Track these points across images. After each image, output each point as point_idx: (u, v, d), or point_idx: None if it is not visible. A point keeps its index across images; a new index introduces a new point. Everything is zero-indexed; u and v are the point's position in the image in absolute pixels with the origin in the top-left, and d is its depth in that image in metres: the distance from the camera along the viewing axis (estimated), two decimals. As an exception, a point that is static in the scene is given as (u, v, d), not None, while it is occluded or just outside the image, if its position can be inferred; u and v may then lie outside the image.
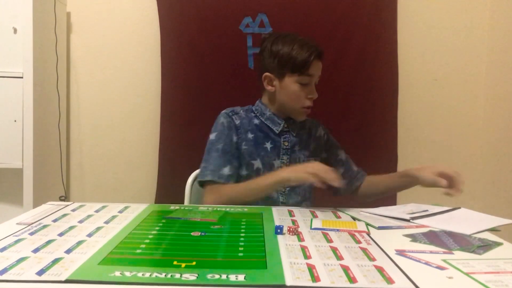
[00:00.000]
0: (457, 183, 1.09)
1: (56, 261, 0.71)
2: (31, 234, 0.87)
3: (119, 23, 2.08)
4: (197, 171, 1.49)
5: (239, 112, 1.36)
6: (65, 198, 1.99)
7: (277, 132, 1.33)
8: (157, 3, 2.02)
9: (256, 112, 1.36)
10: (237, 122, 1.33)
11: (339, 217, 1.07)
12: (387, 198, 2.01)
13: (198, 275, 0.66)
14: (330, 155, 1.40)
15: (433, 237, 0.89)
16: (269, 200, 1.28)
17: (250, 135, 1.32)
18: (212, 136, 1.32)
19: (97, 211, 1.07)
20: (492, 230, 0.97)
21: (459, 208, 1.13)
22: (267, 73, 1.31)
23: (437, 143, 2.11)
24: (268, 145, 1.32)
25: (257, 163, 1.30)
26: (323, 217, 1.06)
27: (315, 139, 1.40)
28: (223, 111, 1.36)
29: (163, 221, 1.00)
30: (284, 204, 1.31)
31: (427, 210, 1.11)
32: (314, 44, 1.28)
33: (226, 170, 1.27)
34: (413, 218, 1.03)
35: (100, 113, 2.12)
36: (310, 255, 0.77)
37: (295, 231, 0.90)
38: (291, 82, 1.28)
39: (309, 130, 1.41)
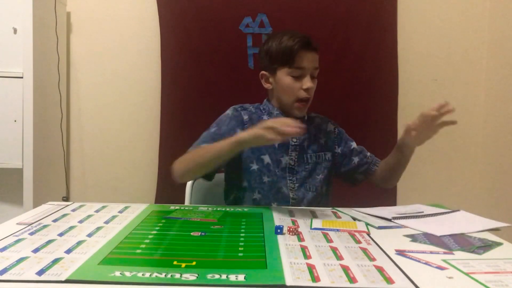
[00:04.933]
0: (439, 112, 1.16)
1: (56, 261, 0.71)
2: (31, 234, 0.87)
3: (119, 23, 2.08)
4: None
5: (248, 108, 1.37)
6: (67, 198, 1.99)
7: None
8: (157, 3, 2.02)
9: (263, 111, 1.36)
10: (245, 117, 1.33)
11: (339, 217, 1.07)
12: (387, 199, 2.03)
13: (198, 275, 0.66)
14: (344, 147, 1.39)
15: (433, 237, 0.89)
16: (278, 194, 1.28)
17: None
18: (212, 124, 1.33)
19: (97, 211, 1.07)
20: (492, 229, 0.96)
21: (458, 210, 1.12)
22: (262, 72, 1.33)
23: (437, 143, 2.11)
24: (276, 143, 1.30)
25: (267, 158, 1.30)
26: (323, 217, 1.06)
27: (325, 134, 1.39)
28: (232, 106, 1.36)
29: (163, 221, 1.00)
30: (295, 200, 1.29)
31: (422, 212, 1.10)
32: (302, 35, 1.27)
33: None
34: (395, 218, 1.03)
35: (100, 113, 2.12)
36: (310, 255, 0.77)
37: (295, 231, 0.90)
38: (282, 76, 1.28)
39: (318, 126, 1.40)
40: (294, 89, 1.27)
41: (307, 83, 1.26)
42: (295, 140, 1.33)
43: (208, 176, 1.30)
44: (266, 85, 1.34)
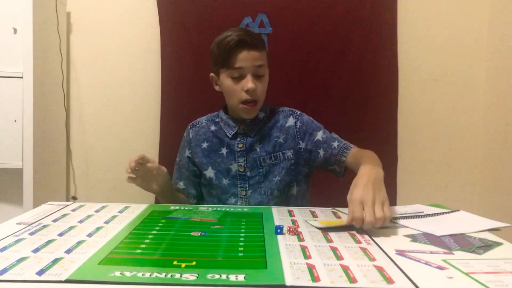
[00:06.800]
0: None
1: (56, 261, 0.72)
2: (31, 234, 0.87)
3: (119, 23, 2.08)
4: None
5: (199, 123, 1.38)
6: (75, 198, 2.03)
7: (230, 136, 1.30)
8: (157, 3, 2.02)
9: (216, 118, 1.35)
10: (191, 135, 1.35)
11: (339, 217, 1.07)
12: (388, 198, 2.03)
13: (198, 275, 0.66)
14: (309, 141, 1.29)
15: (433, 237, 0.89)
16: (226, 203, 1.30)
17: (204, 145, 1.32)
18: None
19: (97, 211, 1.07)
20: (492, 229, 0.96)
21: (458, 210, 1.12)
22: (211, 74, 1.30)
23: (437, 143, 2.11)
24: (224, 151, 1.30)
25: (208, 172, 1.30)
26: (323, 217, 1.06)
27: (284, 131, 1.30)
28: (189, 124, 1.42)
29: (163, 221, 1.00)
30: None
31: (422, 212, 1.10)
32: (241, 33, 1.19)
33: (181, 184, 1.37)
34: (395, 218, 1.03)
35: (100, 113, 2.12)
36: (310, 255, 0.77)
37: (295, 231, 0.90)
38: (224, 78, 1.24)
39: (275, 124, 1.32)
40: (235, 91, 1.22)
41: (248, 84, 1.20)
42: (240, 146, 1.29)
43: (195, 198, 1.39)
44: (216, 88, 1.31)
